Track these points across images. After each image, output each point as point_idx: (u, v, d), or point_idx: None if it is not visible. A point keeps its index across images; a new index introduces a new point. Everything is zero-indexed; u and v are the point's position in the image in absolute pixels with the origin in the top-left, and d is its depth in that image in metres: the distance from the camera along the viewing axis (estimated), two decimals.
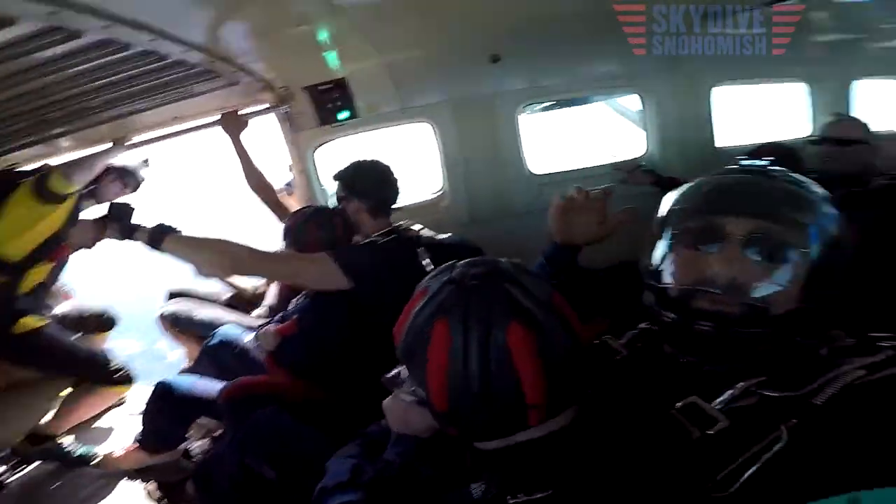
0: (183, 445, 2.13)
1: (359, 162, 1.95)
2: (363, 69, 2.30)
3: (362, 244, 1.83)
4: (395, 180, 1.95)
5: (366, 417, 1.59)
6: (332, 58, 2.12)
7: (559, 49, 2.39)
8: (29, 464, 2.31)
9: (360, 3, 1.59)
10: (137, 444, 2.06)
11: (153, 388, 1.98)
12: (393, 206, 1.95)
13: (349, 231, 1.96)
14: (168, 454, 2.08)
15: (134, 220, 1.58)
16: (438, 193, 2.81)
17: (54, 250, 2.08)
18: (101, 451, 2.19)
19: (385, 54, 2.20)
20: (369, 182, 1.90)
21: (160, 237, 1.50)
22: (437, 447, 0.94)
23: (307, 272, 1.68)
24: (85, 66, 1.45)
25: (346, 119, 2.56)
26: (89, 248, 1.85)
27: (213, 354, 2.16)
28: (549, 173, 2.88)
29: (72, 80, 1.56)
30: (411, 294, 0.99)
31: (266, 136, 2.73)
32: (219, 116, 2.39)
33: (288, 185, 3.23)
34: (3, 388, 2.74)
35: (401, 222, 1.97)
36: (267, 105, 2.47)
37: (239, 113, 2.40)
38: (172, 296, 2.65)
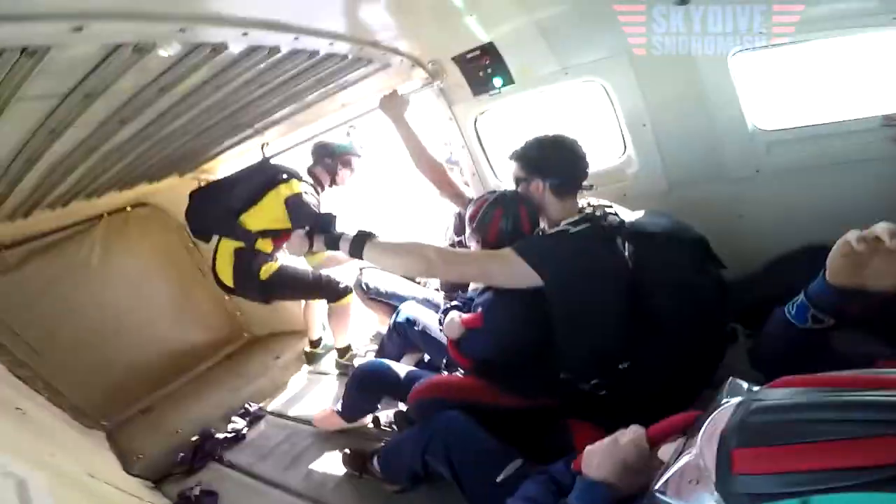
0: (371, 416, 2.44)
1: (539, 138, 1.75)
2: (510, 31, 2.05)
3: (552, 235, 1.67)
4: (584, 155, 1.73)
5: (550, 429, 1.62)
6: (474, 22, 1.93)
7: None
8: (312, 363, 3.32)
9: None
10: (335, 411, 2.44)
11: (356, 369, 2.34)
12: (582, 184, 1.75)
13: (534, 221, 1.80)
14: (358, 422, 2.44)
15: (337, 230, 1.79)
16: (622, 159, 2.45)
17: (278, 237, 2.70)
18: (306, 412, 2.76)
19: (534, 12, 1.89)
20: (555, 160, 1.71)
21: (360, 246, 1.65)
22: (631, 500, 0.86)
23: (496, 272, 1.62)
24: (246, 74, 1.60)
25: (502, 86, 2.38)
26: (303, 255, 2.02)
27: (400, 331, 2.44)
28: (785, 129, 2.17)
29: (242, 89, 1.75)
30: (611, 290, 1.42)
31: (427, 113, 2.74)
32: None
33: (449, 161, 3.26)
34: (249, 338, 3.70)
35: (590, 202, 1.77)
36: (422, 82, 2.44)
37: (398, 93, 2.39)
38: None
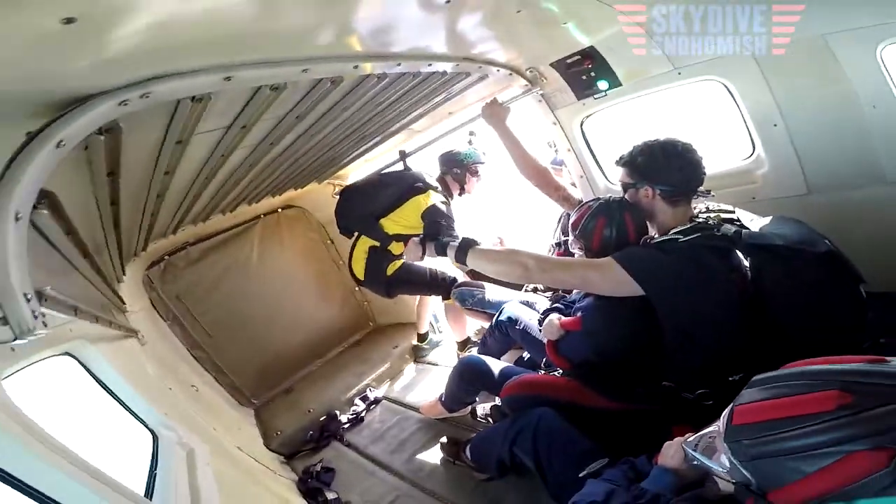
0: (470, 407, 2.64)
1: (649, 143, 1.69)
2: (613, 34, 1.99)
3: (657, 244, 1.63)
4: (699, 161, 1.64)
5: (639, 433, 1.66)
6: (572, 28, 1.93)
7: None
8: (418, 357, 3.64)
9: None
10: (439, 400, 2.66)
11: (458, 363, 2.53)
12: (697, 190, 1.67)
13: (641, 229, 1.77)
14: (459, 412, 2.66)
15: (445, 238, 2.01)
16: (750, 159, 2.25)
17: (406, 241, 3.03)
18: (416, 400, 3.05)
19: (635, 14, 1.83)
20: (665, 165, 1.64)
21: (464, 253, 1.81)
22: (693, 486, 1.08)
23: (595, 280, 1.62)
24: (363, 98, 1.86)
25: (608, 89, 2.34)
26: (418, 261, 2.18)
27: (502, 329, 2.57)
28: None
29: (362, 110, 2.03)
30: (722, 303, 1.48)
31: (528, 119, 2.79)
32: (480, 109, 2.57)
33: (554, 162, 3.25)
34: (374, 326, 4.10)
35: (706, 208, 1.70)
36: (521, 90, 2.51)
37: (499, 101, 2.49)
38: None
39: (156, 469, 1.63)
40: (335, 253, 4.20)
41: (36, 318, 0.95)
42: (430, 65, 1.80)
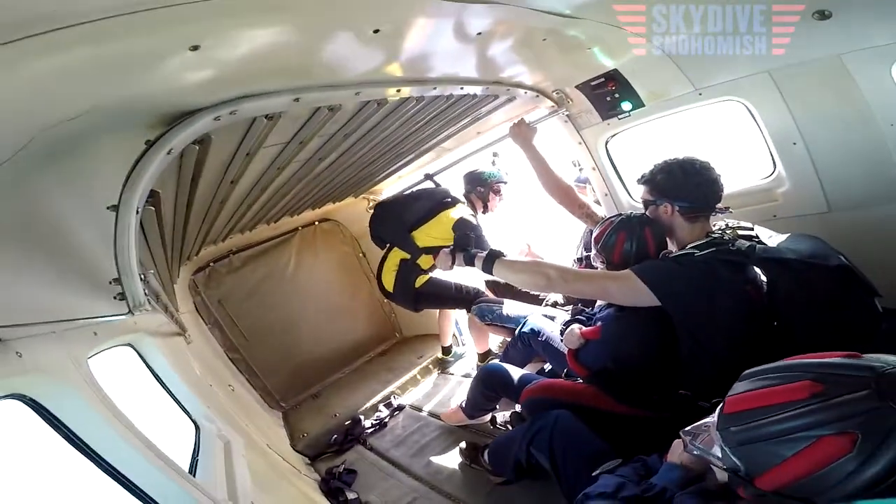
0: (490, 415, 2.74)
1: (669, 161, 1.78)
2: (635, 58, 2.14)
3: (674, 258, 1.70)
4: (716, 178, 1.73)
5: (654, 437, 1.71)
6: (596, 53, 2.10)
7: None
8: (443, 370, 3.76)
9: (598, 4, 1.54)
10: (460, 407, 2.78)
11: (479, 370, 2.63)
12: (715, 207, 1.75)
13: (660, 243, 1.86)
14: (479, 419, 2.75)
15: (473, 249, 2.15)
16: (771, 178, 2.32)
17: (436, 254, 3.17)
18: (438, 408, 3.15)
19: (657, 38, 1.98)
20: (684, 183, 1.72)
21: (491, 263, 1.93)
22: (699, 481, 1.15)
23: (615, 291, 1.71)
24: (401, 118, 2.08)
25: (631, 110, 2.47)
26: (448, 270, 2.26)
27: (525, 340, 2.66)
28: None
29: (399, 130, 2.25)
30: (736, 314, 1.55)
31: (554, 139, 2.95)
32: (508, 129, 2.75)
33: (578, 180, 3.39)
34: (400, 338, 4.25)
35: (725, 225, 1.77)
36: (548, 111, 2.68)
37: (525, 121, 2.64)
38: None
39: (198, 455, 1.79)
40: (367, 266, 4.42)
41: (146, 295, 1.16)
42: (461, 88, 2.01)
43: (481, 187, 3.22)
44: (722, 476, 1.02)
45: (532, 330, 2.61)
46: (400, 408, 3.37)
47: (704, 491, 1.09)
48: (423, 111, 2.14)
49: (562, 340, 2.21)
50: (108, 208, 1.14)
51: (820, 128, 2.04)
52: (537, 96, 2.52)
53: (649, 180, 1.81)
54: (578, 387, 2.04)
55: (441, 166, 3.25)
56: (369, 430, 3.17)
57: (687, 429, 1.06)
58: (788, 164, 2.19)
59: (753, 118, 2.19)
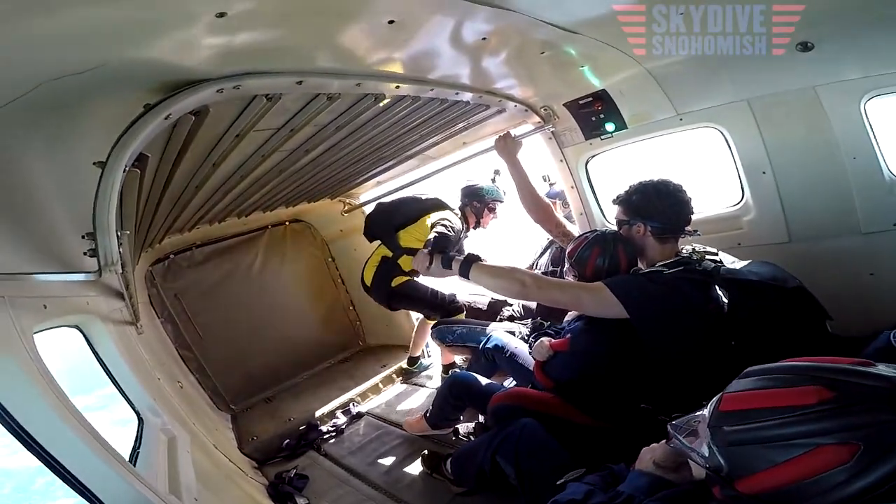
0: (453, 426, 2.70)
1: (644, 183, 1.89)
2: (624, 79, 2.28)
3: (644, 274, 1.81)
4: (687, 201, 1.85)
5: (616, 449, 1.75)
6: (587, 72, 2.23)
7: None
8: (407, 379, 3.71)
9: (598, 20, 1.66)
10: (423, 417, 2.75)
11: (447, 378, 2.60)
12: (685, 229, 1.87)
13: (631, 261, 1.95)
14: (442, 430, 2.71)
15: (451, 252, 2.16)
16: (738, 206, 2.46)
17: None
18: (399, 417, 3.10)
19: (647, 62, 2.12)
20: (657, 205, 1.83)
21: (468, 267, 1.92)
22: (667, 487, 1.13)
23: (586, 301, 1.78)
24: (393, 118, 2.12)
25: (614, 131, 2.59)
26: (423, 273, 2.17)
27: (489, 356, 2.64)
28: None
29: (388, 130, 2.29)
30: (699, 331, 1.60)
31: (534, 154, 3.05)
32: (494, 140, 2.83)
33: (549, 194, 3.51)
34: (363, 346, 4.19)
35: (693, 248, 1.88)
36: (533, 126, 2.79)
37: (511, 135, 2.68)
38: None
39: (139, 447, 1.70)
40: (335, 271, 4.38)
41: (121, 255, 1.11)
42: (457, 94, 2.08)
43: (477, 202, 3.27)
44: (699, 472, 1.04)
45: (496, 346, 2.60)
46: (359, 415, 3.32)
47: (672, 497, 1.09)
48: (417, 112, 2.18)
49: (530, 352, 2.24)
50: (94, 164, 1.10)
51: (789, 158, 2.18)
52: (526, 111, 2.62)
53: (624, 200, 1.92)
54: (546, 396, 2.07)
55: (423, 174, 3.28)
56: (325, 437, 3.10)
57: (675, 422, 1.04)
58: (756, 193, 2.32)
59: (728, 146, 2.31)
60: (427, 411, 2.72)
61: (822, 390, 0.74)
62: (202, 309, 3.59)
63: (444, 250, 2.20)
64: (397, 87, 1.80)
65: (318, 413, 3.32)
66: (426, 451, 2.51)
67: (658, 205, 1.82)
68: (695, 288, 1.71)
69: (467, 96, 2.15)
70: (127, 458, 1.54)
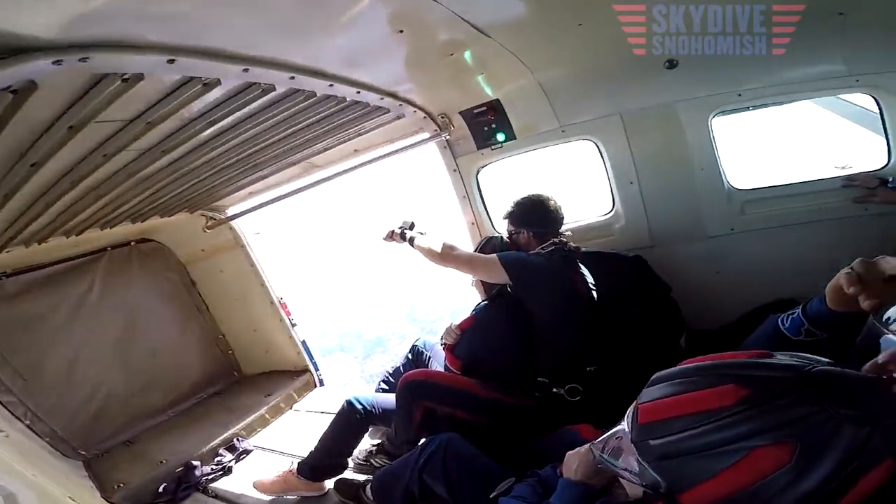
0: (333, 480, 2.39)
1: (522, 198, 2.30)
2: (515, 90, 2.37)
3: (527, 253, 2.20)
4: (557, 208, 2.26)
5: (534, 448, 1.85)
6: (482, 81, 2.26)
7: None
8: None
9: (509, 23, 1.67)
10: (291, 472, 2.43)
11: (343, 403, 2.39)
12: (560, 230, 2.26)
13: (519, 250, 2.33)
14: (319, 484, 2.40)
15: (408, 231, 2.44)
16: (609, 214, 2.69)
17: None
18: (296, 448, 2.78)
19: (538, 73, 2.22)
20: (534, 214, 2.25)
21: (413, 239, 2.34)
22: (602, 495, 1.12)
23: (479, 266, 2.22)
24: (281, 115, 1.86)
25: (504, 141, 2.68)
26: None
27: (414, 360, 2.70)
28: (757, 188, 2.48)
29: (272, 129, 2.02)
30: (569, 298, 2.02)
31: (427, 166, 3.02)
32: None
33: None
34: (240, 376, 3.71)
35: (564, 236, 2.24)
36: (429, 135, 2.74)
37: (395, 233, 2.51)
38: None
39: None
40: (197, 297, 3.79)
41: None
42: (358, 92, 1.92)
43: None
44: (634, 491, 1.02)
45: (419, 350, 2.68)
46: (247, 451, 3.00)
47: None
48: (311, 110, 1.96)
49: (441, 340, 2.34)
50: None
51: (652, 169, 2.48)
52: (425, 118, 2.56)
53: (510, 215, 2.32)
54: (455, 376, 2.24)
55: (305, 184, 2.99)
56: (210, 476, 2.76)
57: (595, 441, 1.01)
58: (625, 202, 2.59)
59: (602, 158, 2.56)
60: (295, 463, 2.45)
61: (737, 388, 0.72)
62: (21, 347, 2.91)
63: (404, 228, 2.47)
64: (292, 77, 1.58)
65: (196, 452, 2.92)
66: (334, 482, 2.36)
67: (534, 212, 2.25)
68: (565, 263, 2.13)
69: (369, 97, 2.01)
70: None
